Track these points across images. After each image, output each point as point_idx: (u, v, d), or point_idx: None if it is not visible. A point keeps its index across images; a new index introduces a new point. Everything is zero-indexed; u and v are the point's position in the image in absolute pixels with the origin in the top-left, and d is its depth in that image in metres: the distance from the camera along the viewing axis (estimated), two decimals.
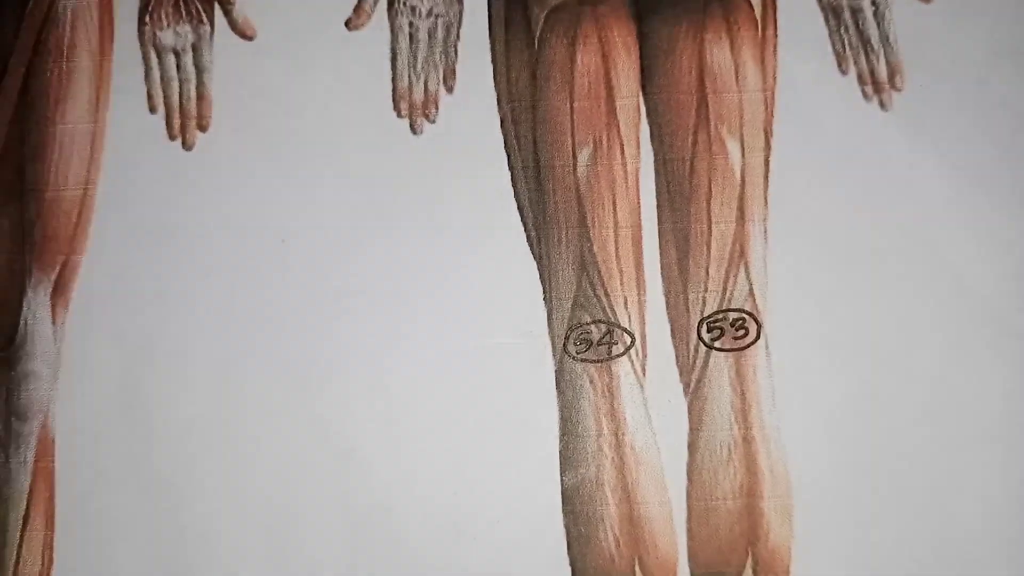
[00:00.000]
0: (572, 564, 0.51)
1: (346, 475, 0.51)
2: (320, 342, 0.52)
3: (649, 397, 0.52)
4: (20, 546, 0.51)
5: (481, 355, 0.53)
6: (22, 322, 0.53)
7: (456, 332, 0.53)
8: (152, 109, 0.56)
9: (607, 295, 0.53)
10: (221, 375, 0.52)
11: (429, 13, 0.56)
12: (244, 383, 0.52)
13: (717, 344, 0.53)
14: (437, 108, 0.56)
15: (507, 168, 0.55)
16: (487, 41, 0.56)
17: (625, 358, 0.53)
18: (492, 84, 0.56)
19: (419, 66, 0.56)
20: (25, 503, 0.52)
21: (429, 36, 0.56)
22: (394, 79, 0.56)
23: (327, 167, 0.55)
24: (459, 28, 0.57)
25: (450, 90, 0.56)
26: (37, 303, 0.53)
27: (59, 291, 0.53)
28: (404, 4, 0.56)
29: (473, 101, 0.56)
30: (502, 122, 0.55)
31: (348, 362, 0.52)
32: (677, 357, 0.53)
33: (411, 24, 0.56)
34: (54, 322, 0.53)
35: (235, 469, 0.51)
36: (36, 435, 0.52)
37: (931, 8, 0.57)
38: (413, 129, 0.56)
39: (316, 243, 0.54)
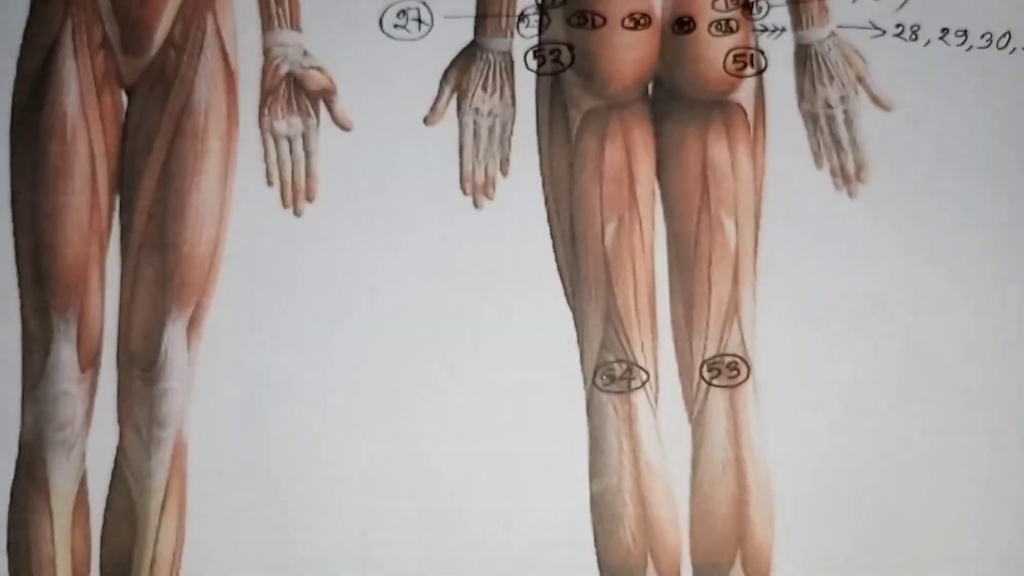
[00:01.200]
0: (598, 555, 0.64)
1: (419, 481, 0.65)
2: (401, 375, 0.66)
3: (660, 422, 0.66)
4: (159, 528, 0.64)
5: (527, 386, 0.66)
6: (162, 349, 0.66)
7: (508, 368, 0.66)
8: (269, 183, 0.69)
9: (628, 340, 0.66)
10: (321, 399, 0.66)
11: (489, 113, 0.70)
12: (339, 406, 0.66)
13: (715, 381, 0.66)
14: (494, 188, 0.69)
15: (549, 237, 0.69)
16: (535, 136, 0.70)
17: (641, 391, 0.66)
18: (538, 170, 0.70)
19: (480, 155, 0.70)
20: (163, 494, 0.65)
21: (489, 132, 0.70)
22: (461, 164, 0.70)
23: (407, 232, 0.68)
24: (512, 125, 0.70)
25: (505, 174, 0.70)
26: (175, 335, 0.66)
27: (192, 326, 0.67)
28: (470, 105, 0.70)
29: (523, 183, 0.69)
30: (545, 200, 0.69)
31: (423, 391, 0.66)
32: (683, 390, 0.67)
33: (475, 122, 0.70)
34: (188, 350, 0.66)
35: (331, 473, 0.65)
36: (173, 439, 0.65)
37: (891, 116, 0.70)
38: (475, 204, 0.69)
39: (398, 294, 0.67)
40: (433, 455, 0.65)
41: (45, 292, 0.67)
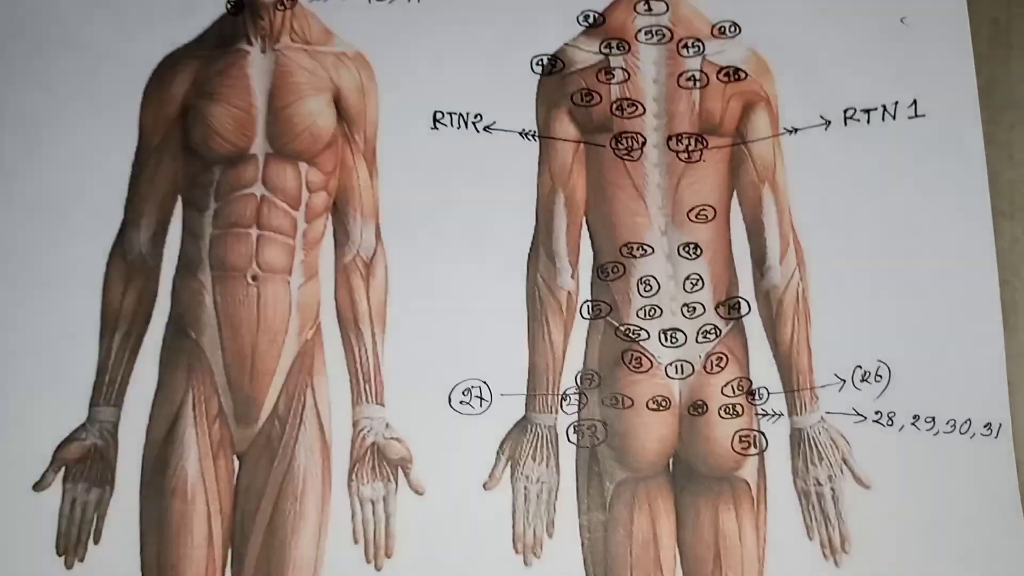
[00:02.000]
0: None
1: None
2: None
3: None
4: None
5: None
6: None
7: None
8: (355, 541, 0.83)
9: None
10: None
11: (537, 480, 0.84)
12: None
13: None
14: (541, 548, 0.83)
15: None
16: (575, 502, 0.85)
17: None
18: (578, 532, 0.83)
19: (530, 517, 0.84)
20: None
21: (537, 496, 0.84)
22: (514, 526, 0.83)
23: None
24: (557, 491, 0.84)
25: (551, 535, 0.83)
26: None
27: None
28: (521, 472, 0.85)
29: (566, 542, 0.82)
30: (584, 561, 0.82)
31: None
32: None
33: (525, 488, 0.84)
34: None
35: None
36: None
37: (870, 493, 0.83)
38: (525, 562, 0.83)
39: None
40: None
41: None
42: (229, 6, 0.93)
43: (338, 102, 0.90)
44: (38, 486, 0.83)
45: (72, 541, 0.82)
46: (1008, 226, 0.89)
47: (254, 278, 0.87)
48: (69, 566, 0.81)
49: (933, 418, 0.85)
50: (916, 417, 0.85)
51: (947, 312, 0.86)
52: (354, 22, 0.92)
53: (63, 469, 0.83)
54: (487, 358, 0.87)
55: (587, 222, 0.90)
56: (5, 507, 0.82)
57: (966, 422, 0.85)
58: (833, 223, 0.89)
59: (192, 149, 0.89)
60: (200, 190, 0.88)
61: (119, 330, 0.87)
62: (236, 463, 0.85)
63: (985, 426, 0.84)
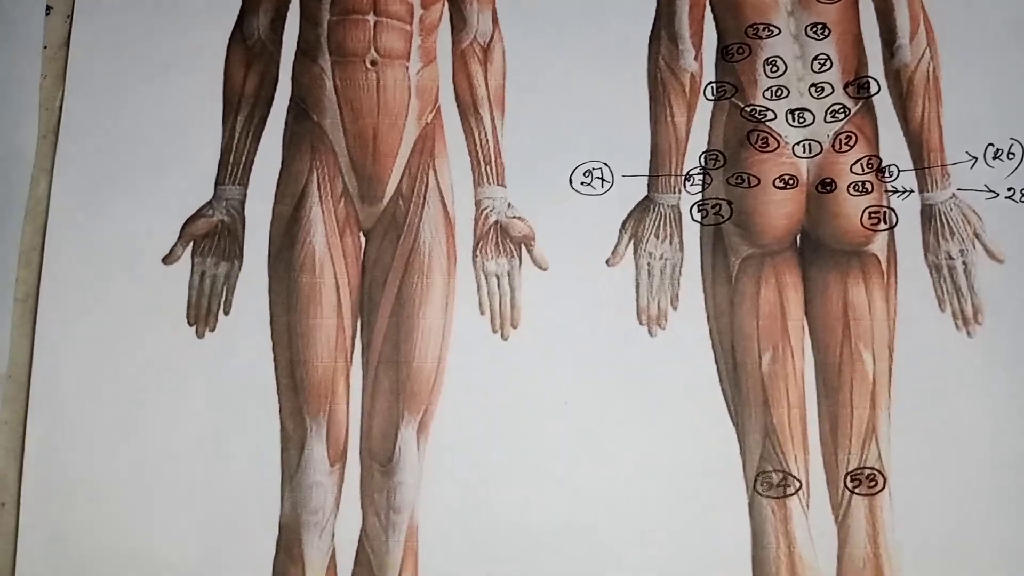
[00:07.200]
0: None
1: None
2: (591, 474, 0.79)
3: (811, 523, 0.78)
4: None
5: (697, 492, 0.78)
6: (397, 448, 0.80)
7: (679, 475, 0.79)
8: (482, 312, 0.84)
9: (783, 453, 0.79)
10: (528, 488, 0.79)
11: (661, 256, 0.84)
12: (540, 494, 0.79)
13: (857, 490, 0.78)
14: (666, 320, 0.83)
15: (714, 363, 0.82)
16: (700, 277, 0.84)
17: (796, 496, 0.78)
18: (703, 305, 0.83)
19: (654, 292, 0.84)
20: (399, 569, 0.78)
21: (661, 272, 0.84)
22: (637, 299, 0.83)
23: (593, 354, 0.81)
24: (681, 267, 0.84)
25: (675, 308, 0.83)
26: (407, 436, 0.81)
27: (422, 428, 0.81)
28: (644, 249, 0.84)
29: (691, 316, 0.83)
30: (710, 331, 0.83)
31: (608, 493, 0.78)
32: (830, 497, 0.79)
33: (649, 264, 0.84)
34: (418, 448, 0.81)
35: (545, 542, 0.78)
36: (406, 523, 0.79)
37: (1003, 267, 0.82)
38: (650, 333, 0.83)
39: (586, 406, 0.80)
40: (619, 554, 0.78)
41: (299, 399, 0.81)
42: None
43: None
44: (167, 259, 0.84)
45: (203, 312, 0.83)
46: None
47: (372, 63, 0.86)
48: (200, 335, 0.83)
49: None
50: None
51: None
52: None
53: (191, 244, 0.84)
54: (607, 140, 0.86)
55: (710, 3, 0.88)
56: (138, 281, 0.84)
57: None
58: (966, 2, 0.86)
59: None
60: None
61: (241, 112, 0.87)
62: (363, 239, 0.85)
63: None
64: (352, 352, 0.83)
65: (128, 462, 0.80)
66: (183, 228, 0.85)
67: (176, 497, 0.80)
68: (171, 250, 0.84)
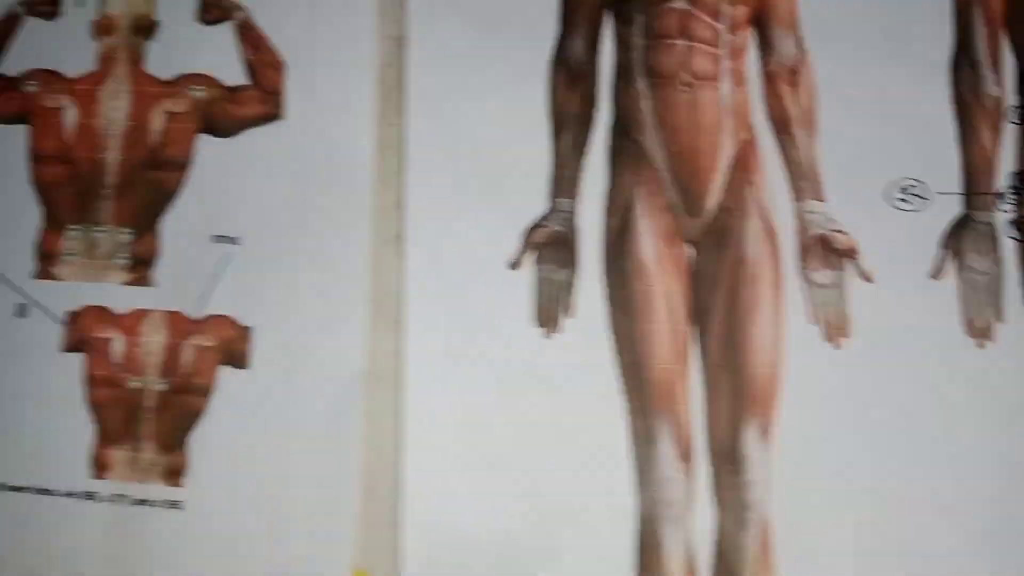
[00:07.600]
0: None
1: None
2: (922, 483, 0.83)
3: None
4: None
5: None
6: (741, 448, 0.85)
7: None
8: (812, 322, 0.88)
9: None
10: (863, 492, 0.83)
11: (982, 272, 0.88)
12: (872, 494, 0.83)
13: None
14: (991, 331, 0.87)
15: None
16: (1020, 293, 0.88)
17: None
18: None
19: (976, 306, 0.87)
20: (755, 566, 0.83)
21: (985, 287, 0.87)
22: (962, 311, 0.88)
23: (927, 366, 0.86)
24: (1000, 281, 0.88)
25: (1000, 320, 0.87)
26: (750, 437, 0.85)
27: (764, 430, 0.85)
28: (966, 263, 0.88)
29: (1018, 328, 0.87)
30: None
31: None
32: None
33: (971, 278, 0.88)
34: (764, 449, 0.85)
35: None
36: (758, 520, 0.83)
37: None
38: (977, 345, 0.87)
39: (931, 417, 0.85)
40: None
41: (644, 397, 0.86)
42: None
43: None
44: (513, 265, 0.90)
45: (549, 315, 0.88)
46: None
47: (686, 84, 0.91)
48: (548, 336, 0.88)
49: None
50: None
51: None
52: None
53: (535, 252, 0.90)
54: (918, 159, 0.90)
55: (1008, 28, 0.92)
56: (489, 284, 0.89)
57: None
58: None
59: None
60: (625, 4, 0.93)
61: (569, 130, 0.93)
62: (689, 250, 0.90)
63: None
64: (689, 356, 0.87)
65: (470, 456, 0.85)
66: (525, 237, 0.90)
67: (520, 489, 0.84)
68: (517, 257, 0.90)
